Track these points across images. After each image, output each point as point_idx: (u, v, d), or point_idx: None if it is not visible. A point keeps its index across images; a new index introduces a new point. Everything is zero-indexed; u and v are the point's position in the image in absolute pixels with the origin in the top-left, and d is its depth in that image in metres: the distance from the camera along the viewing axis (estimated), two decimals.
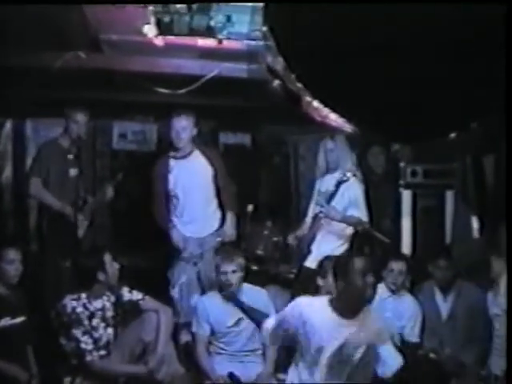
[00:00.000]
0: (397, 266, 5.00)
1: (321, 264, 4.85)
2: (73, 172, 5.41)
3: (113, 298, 4.49)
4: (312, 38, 2.29)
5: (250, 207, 6.17)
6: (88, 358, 4.30)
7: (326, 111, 2.62)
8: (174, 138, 5.32)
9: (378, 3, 2.38)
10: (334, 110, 2.59)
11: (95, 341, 4.36)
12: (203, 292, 5.45)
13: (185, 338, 5.26)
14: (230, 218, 5.55)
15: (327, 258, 4.84)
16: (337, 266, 3.82)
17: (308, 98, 2.63)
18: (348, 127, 2.70)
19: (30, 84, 5.06)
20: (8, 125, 6.27)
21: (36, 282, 5.15)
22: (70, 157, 5.36)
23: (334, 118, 2.65)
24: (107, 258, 4.43)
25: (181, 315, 5.37)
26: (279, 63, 2.65)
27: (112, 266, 4.44)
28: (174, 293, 5.45)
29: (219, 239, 5.47)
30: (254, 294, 4.82)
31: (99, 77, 5.01)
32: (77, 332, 4.32)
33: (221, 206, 5.60)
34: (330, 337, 3.57)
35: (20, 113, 6.24)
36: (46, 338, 4.61)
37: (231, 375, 4.56)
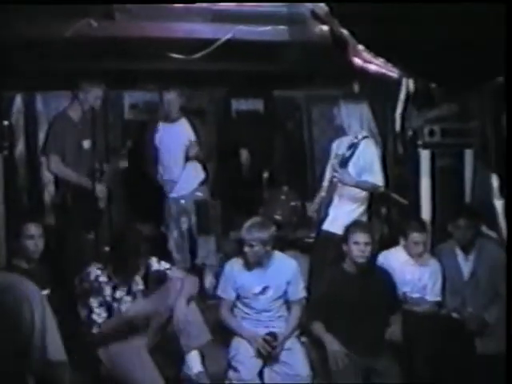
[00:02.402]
0: (418, 237, 4.97)
1: (346, 230, 4.80)
2: (86, 144, 5.34)
3: (141, 272, 4.40)
4: None
5: (266, 173, 6.18)
6: (94, 331, 4.17)
7: (370, 56, 2.56)
8: (163, 108, 5.86)
9: None
10: (378, 54, 2.53)
11: (110, 314, 4.24)
12: (192, 245, 5.86)
13: None
14: None
15: (353, 223, 4.82)
16: None
17: (353, 42, 2.58)
18: (392, 71, 2.65)
19: (39, 55, 4.94)
20: (18, 99, 6.17)
21: (59, 256, 5.10)
22: (82, 128, 5.31)
23: (378, 63, 2.60)
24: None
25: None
26: (321, 9, 2.59)
27: None
28: (170, 246, 5.89)
29: (200, 194, 5.87)
30: (283, 263, 4.80)
31: (110, 45, 4.90)
32: (93, 301, 4.20)
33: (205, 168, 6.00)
34: None
35: (30, 86, 6.12)
36: (69, 311, 4.58)
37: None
